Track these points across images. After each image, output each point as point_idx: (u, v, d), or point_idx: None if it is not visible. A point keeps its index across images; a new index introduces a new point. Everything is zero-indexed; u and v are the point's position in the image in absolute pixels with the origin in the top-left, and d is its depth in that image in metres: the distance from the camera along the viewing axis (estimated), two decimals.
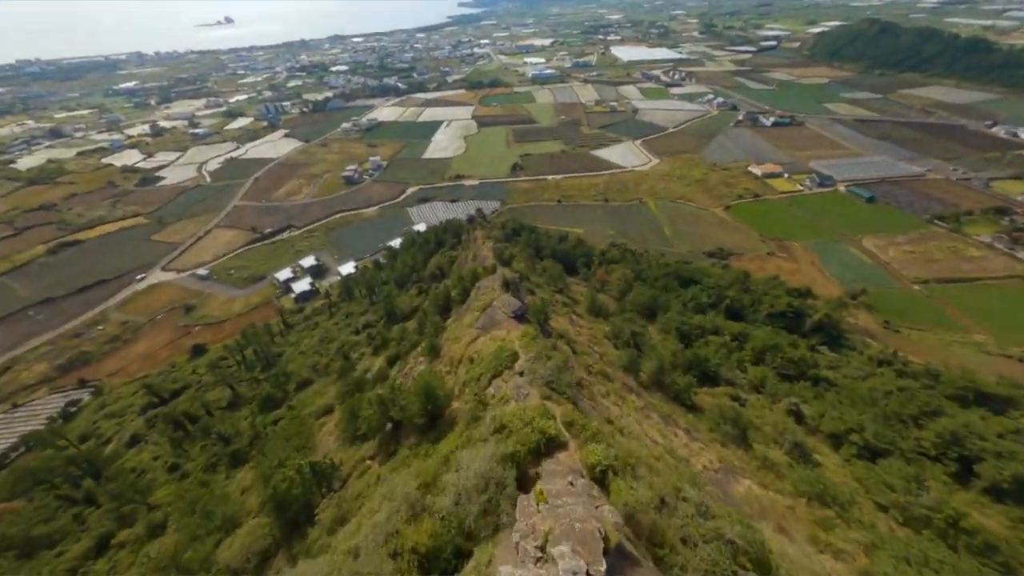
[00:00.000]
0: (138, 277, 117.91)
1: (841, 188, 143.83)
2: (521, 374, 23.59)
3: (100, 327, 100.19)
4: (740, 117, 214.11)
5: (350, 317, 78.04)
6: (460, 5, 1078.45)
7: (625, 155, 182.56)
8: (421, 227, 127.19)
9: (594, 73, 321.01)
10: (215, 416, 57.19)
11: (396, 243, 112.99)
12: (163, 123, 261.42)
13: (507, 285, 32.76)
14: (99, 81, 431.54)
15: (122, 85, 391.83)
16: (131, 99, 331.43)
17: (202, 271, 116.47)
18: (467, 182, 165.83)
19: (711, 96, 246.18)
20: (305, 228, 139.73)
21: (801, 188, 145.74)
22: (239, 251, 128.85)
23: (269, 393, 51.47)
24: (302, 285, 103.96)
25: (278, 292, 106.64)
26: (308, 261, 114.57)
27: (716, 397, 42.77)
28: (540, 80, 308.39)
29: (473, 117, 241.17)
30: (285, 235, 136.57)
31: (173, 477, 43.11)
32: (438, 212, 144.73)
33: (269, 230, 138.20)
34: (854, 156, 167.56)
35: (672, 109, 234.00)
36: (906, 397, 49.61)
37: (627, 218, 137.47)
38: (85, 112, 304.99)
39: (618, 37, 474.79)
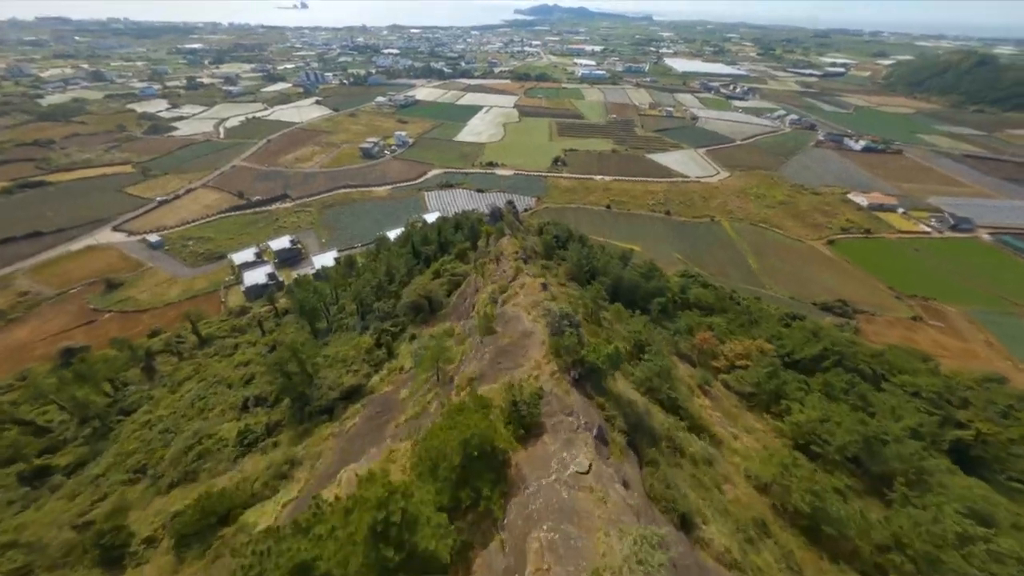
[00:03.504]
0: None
1: (984, 236, 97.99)
2: None
3: None
4: (821, 137, 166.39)
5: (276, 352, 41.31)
6: (516, 12, 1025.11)
7: (686, 163, 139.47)
8: (433, 216, 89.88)
9: (647, 79, 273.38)
10: None
11: (396, 234, 76.16)
12: (204, 79, 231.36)
13: None
14: (171, 41, 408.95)
15: (187, 45, 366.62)
16: (186, 57, 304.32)
17: (154, 237, 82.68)
18: (500, 171, 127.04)
19: (782, 112, 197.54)
20: (300, 200, 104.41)
21: (927, 229, 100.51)
22: (213, 218, 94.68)
23: None
24: (256, 276, 68.32)
25: (229, 279, 71.55)
26: (280, 243, 78.90)
27: None
28: (590, 80, 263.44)
29: (516, 106, 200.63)
30: (275, 206, 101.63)
31: None
32: (460, 201, 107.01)
33: (257, 198, 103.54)
34: (984, 197, 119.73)
35: (737, 121, 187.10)
36: None
37: (697, 239, 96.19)
38: (140, 64, 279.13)
39: (671, 51, 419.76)
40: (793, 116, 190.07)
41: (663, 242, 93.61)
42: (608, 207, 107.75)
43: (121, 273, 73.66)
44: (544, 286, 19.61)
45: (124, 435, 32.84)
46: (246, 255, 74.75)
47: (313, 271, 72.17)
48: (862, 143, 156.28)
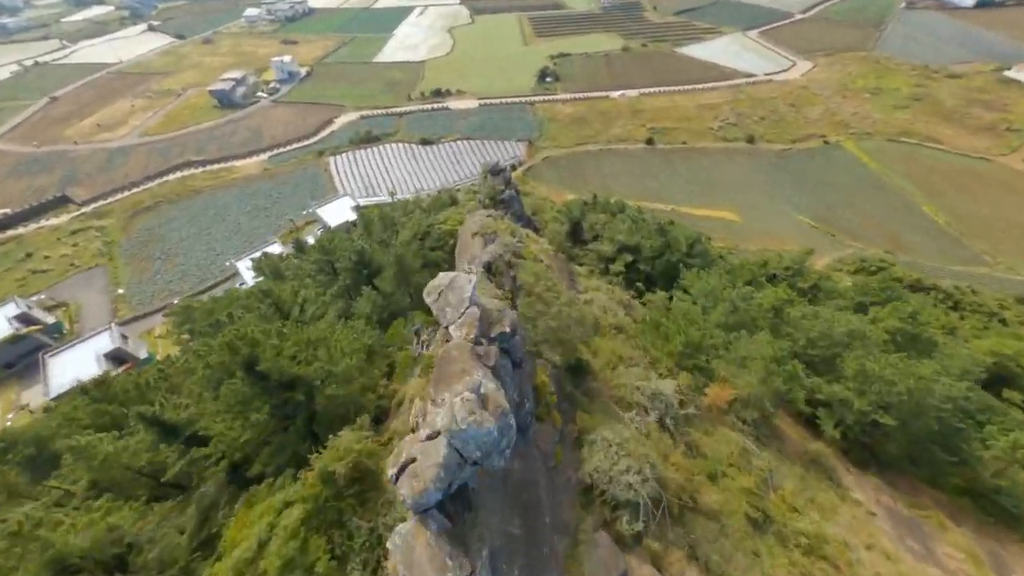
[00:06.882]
0: None
1: None
2: None
3: None
4: None
5: None
6: None
7: (742, 55, 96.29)
8: (341, 208, 47.98)
9: None
10: None
11: (268, 254, 35.06)
12: None
13: None
14: None
15: None
16: None
17: None
18: (456, 103, 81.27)
19: None
20: (92, 204, 58.71)
21: None
22: None
23: None
24: None
25: None
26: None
27: None
28: None
29: (462, 1, 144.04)
30: (35, 224, 56.07)
31: None
32: (395, 168, 63.77)
33: (3, 212, 57.14)
34: None
35: None
36: None
37: (817, 180, 58.32)
38: None
39: None
40: None
41: (768, 196, 55.49)
42: (650, 142, 66.91)
43: None
44: None
45: None
46: None
47: (65, 388, 31.88)
48: None
